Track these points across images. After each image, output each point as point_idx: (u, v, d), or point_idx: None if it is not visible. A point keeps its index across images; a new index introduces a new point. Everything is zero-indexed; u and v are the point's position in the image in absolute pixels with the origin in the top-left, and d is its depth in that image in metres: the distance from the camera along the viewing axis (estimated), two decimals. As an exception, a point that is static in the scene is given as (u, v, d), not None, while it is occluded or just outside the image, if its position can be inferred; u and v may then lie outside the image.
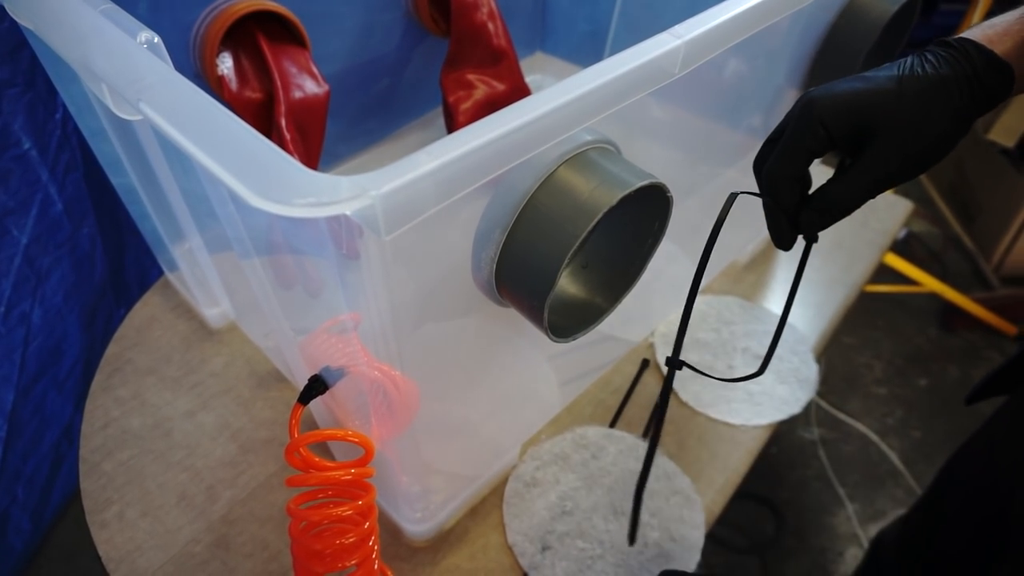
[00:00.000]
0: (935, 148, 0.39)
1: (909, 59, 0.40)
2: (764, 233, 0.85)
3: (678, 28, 0.39)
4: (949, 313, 1.65)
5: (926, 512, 0.77)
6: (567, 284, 0.46)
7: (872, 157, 0.39)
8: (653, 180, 0.38)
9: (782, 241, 0.42)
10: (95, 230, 0.97)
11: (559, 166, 0.36)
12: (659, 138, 0.51)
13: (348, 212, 0.26)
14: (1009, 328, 1.60)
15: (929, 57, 0.39)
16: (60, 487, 1.08)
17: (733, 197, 0.42)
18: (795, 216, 0.41)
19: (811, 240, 0.43)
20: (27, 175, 0.84)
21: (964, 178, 1.82)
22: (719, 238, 0.42)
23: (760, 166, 0.42)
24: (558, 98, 0.33)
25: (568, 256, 0.35)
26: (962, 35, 0.40)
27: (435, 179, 0.28)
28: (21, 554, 1.04)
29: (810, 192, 0.42)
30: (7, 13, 0.43)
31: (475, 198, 0.32)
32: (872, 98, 0.38)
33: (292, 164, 0.27)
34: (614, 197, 0.35)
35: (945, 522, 0.71)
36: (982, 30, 0.40)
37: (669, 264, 0.59)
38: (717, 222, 0.42)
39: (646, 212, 0.42)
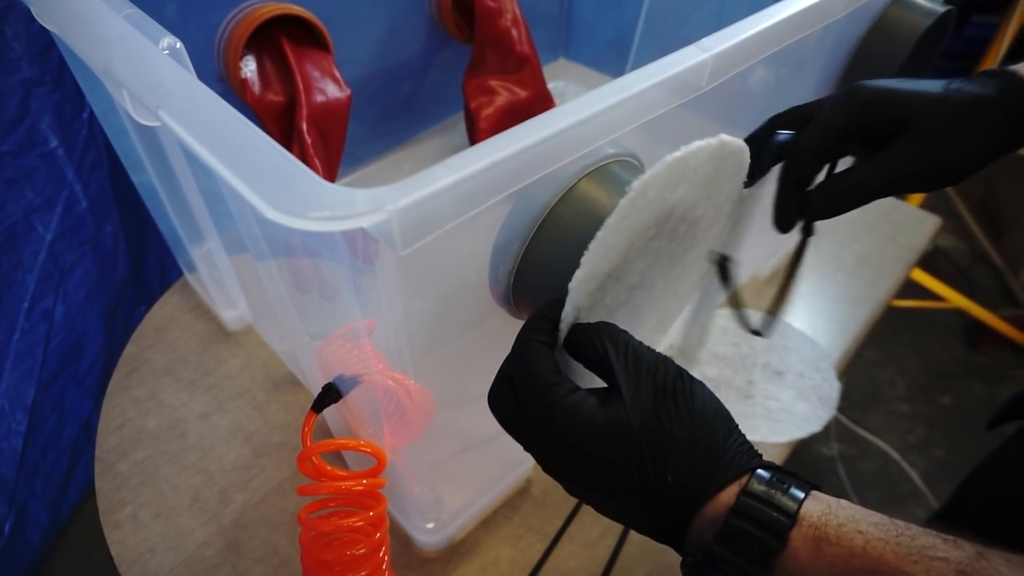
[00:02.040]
0: (962, 164, 0.39)
1: (960, 80, 0.40)
2: (787, 247, 0.84)
3: (706, 41, 0.38)
4: (975, 330, 1.62)
5: (941, 530, 0.76)
6: None
7: (898, 153, 0.38)
8: None
9: (783, 219, 0.41)
10: (118, 228, 0.98)
11: (580, 179, 0.36)
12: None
13: (364, 226, 0.26)
14: (1038, 347, 1.57)
15: (976, 80, 0.39)
16: (77, 482, 1.09)
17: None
18: (804, 197, 0.41)
19: (808, 232, 0.42)
20: (53, 173, 0.86)
21: (994, 194, 1.78)
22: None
23: (754, 138, 0.42)
24: (582, 111, 0.32)
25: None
26: (1009, 67, 0.40)
27: (453, 193, 0.28)
28: (38, 548, 1.05)
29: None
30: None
31: (494, 209, 0.32)
32: (916, 97, 0.38)
33: (309, 176, 0.27)
34: None
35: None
36: None
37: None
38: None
39: None
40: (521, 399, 0.31)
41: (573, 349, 0.33)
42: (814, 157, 0.40)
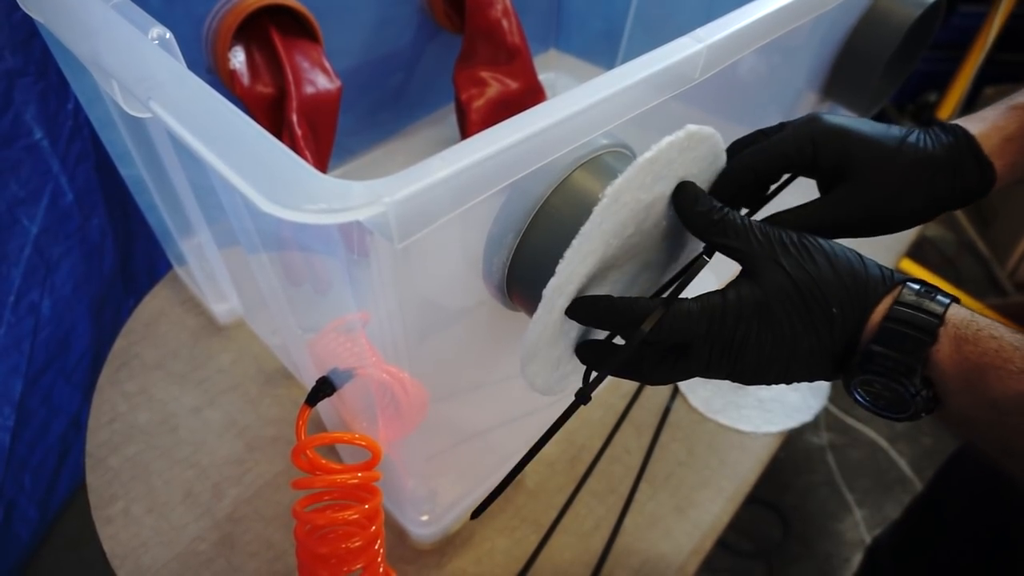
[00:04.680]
0: (904, 219, 0.39)
1: (917, 131, 0.40)
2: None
3: (700, 32, 0.38)
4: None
5: (923, 517, 0.77)
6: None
7: (841, 200, 0.39)
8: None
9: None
10: (105, 221, 0.97)
11: (574, 170, 0.36)
12: (675, 141, 0.51)
13: (360, 219, 0.26)
14: (1023, 335, 1.59)
15: (931, 134, 0.40)
16: (67, 477, 1.08)
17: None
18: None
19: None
20: (38, 165, 0.84)
21: (980, 182, 1.80)
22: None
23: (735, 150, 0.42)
24: (577, 103, 0.32)
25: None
26: (959, 123, 0.41)
27: (449, 186, 0.28)
28: (27, 544, 1.04)
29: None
30: (19, 3, 0.43)
31: (488, 201, 0.31)
32: (870, 146, 0.38)
33: (304, 168, 0.27)
34: None
35: (945, 530, 0.70)
36: (978, 122, 0.41)
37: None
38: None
39: None
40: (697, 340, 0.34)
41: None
42: (745, 174, 0.39)
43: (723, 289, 0.34)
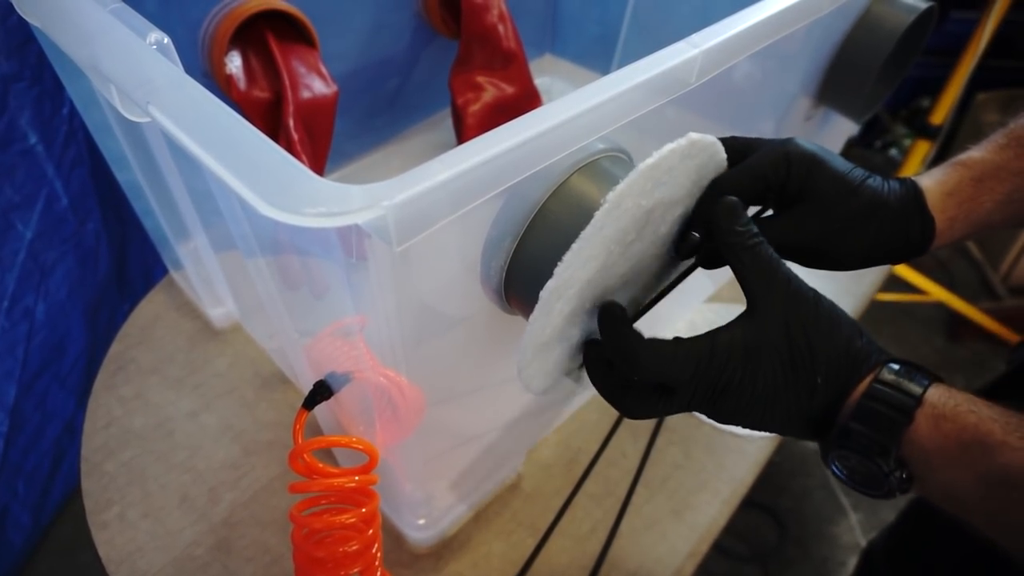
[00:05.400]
0: (841, 256, 0.40)
1: (878, 178, 0.41)
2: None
3: (695, 37, 0.38)
4: (956, 323, 1.65)
5: (917, 521, 0.77)
6: None
7: (793, 220, 0.39)
8: None
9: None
10: (100, 225, 0.96)
11: (571, 175, 0.36)
12: (671, 146, 0.51)
13: (360, 222, 0.26)
14: (1016, 339, 1.60)
15: (889, 184, 0.41)
16: (61, 483, 1.08)
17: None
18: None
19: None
20: (33, 170, 0.84)
21: (973, 187, 1.81)
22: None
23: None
24: (575, 107, 0.32)
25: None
26: (913, 178, 0.42)
27: (448, 189, 0.28)
28: (21, 550, 1.04)
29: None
30: (14, 8, 0.43)
31: (486, 205, 0.32)
32: (835, 175, 0.39)
33: (303, 172, 0.27)
34: None
35: (938, 534, 0.71)
36: (926, 178, 0.42)
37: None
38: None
39: None
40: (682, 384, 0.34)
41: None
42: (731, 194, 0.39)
43: (716, 331, 0.34)
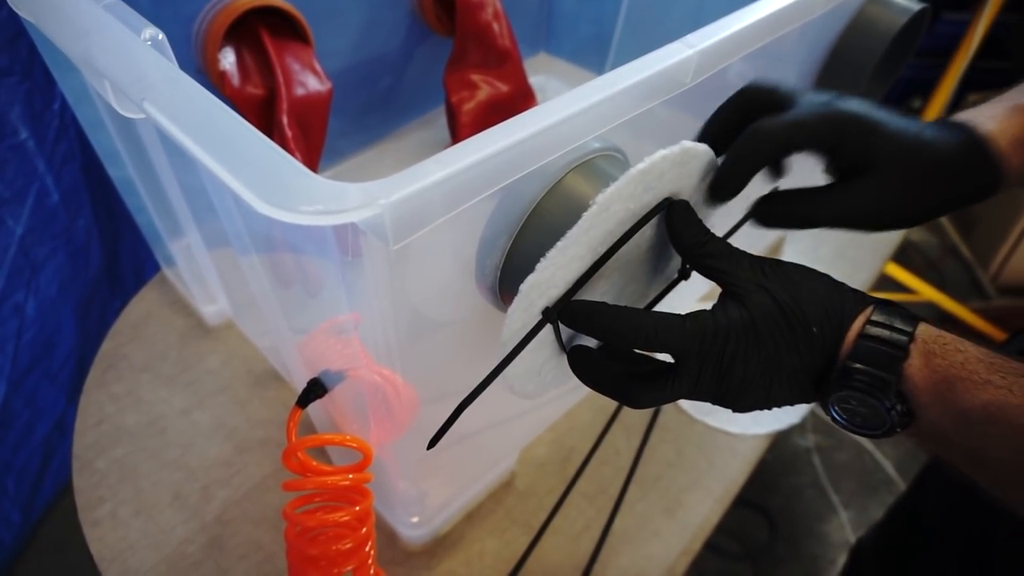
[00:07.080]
0: (920, 216, 0.40)
1: (932, 127, 0.39)
2: (768, 240, 0.85)
3: (691, 38, 0.38)
4: (946, 323, 1.66)
5: (906, 521, 0.78)
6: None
7: (862, 193, 0.38)
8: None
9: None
10: (91, 221, 0.96)
11: (566, 174, 0.36)
12: (665, 144, 0.51)
13: (356, 221, 0.26)
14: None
15: (945, 131, 0.39)
16: (51, 480, 1.07)
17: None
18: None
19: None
20: (23, 165, 0.83)
21: (963, 187, 1.82)
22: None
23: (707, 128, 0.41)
24: (572, 106, 0.32)
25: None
26: (966, 121, 0.40)
27: (444, 188, 0.28)
28: (10, 547, 1.03)
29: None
30: (6, 2, 0.42)
31: (481, 204, 0.32)
32: (893, 141, 0.38)
33: (300, 170, 0.27)
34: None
35: (926, 534, 0.71)
36: (987, 122, 0.40)
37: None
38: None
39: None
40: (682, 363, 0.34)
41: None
42: (776, 148, 0.38)
43: (711, 310, 0.35)
